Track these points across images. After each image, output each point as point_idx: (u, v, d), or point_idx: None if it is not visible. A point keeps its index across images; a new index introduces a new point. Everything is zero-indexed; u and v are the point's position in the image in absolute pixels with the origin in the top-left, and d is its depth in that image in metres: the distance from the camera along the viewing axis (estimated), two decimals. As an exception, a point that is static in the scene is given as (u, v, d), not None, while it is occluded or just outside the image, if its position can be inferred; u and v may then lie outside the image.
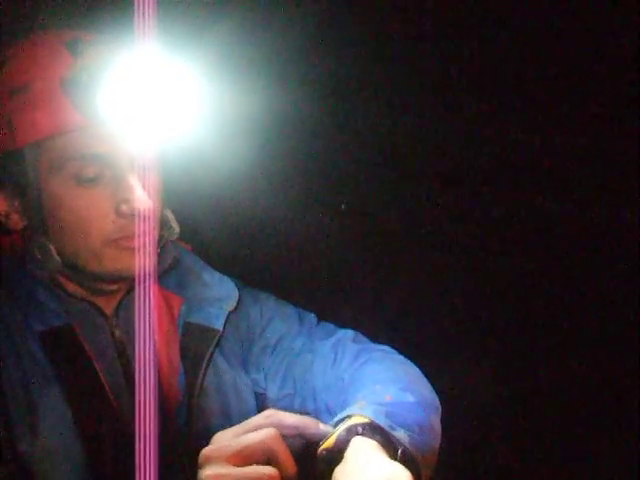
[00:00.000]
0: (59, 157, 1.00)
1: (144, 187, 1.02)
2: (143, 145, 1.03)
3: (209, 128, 1.11)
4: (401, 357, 1.13)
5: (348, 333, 1.17)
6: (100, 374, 1.02)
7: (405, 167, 1.73)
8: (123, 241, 1.03)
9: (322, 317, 1.24)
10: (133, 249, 1.03)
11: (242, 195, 1.60)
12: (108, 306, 1.09)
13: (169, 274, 1.14)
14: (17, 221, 1.06)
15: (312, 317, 1.21)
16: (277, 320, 1.19)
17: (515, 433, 1.76)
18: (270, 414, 0.91)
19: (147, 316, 1.05)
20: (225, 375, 1.13)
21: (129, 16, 0.97)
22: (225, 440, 0.87)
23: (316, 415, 1.07)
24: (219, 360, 1.13)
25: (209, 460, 0.85)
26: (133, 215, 1.01)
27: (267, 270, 1.68)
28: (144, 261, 1.03)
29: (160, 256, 1.10)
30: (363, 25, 1.65)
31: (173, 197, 1.12)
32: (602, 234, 1.70)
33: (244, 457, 0.84)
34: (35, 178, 1.01)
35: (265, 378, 1.16)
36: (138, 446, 0.94)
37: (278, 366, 1.15)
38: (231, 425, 1.03)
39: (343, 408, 0.98)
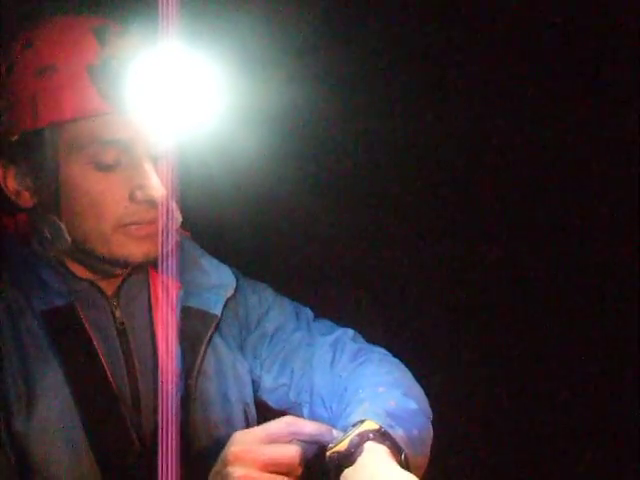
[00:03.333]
0: (79, 140, 1.02)
1: (159, 176, 1.05)
2: (162, 135, 1.05)
3: (228, 120, 1.14)
4: (396, 360, 1.17)
5: (348, 332, 1.20)
6: (100, 354, 1.04)
7: (418, 160, 1.74)
8: (133, 228, 1.04)
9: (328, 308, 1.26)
10: (142, 237, 1.05)
11: (259, 186, 1.61)
12: (109, 287, 1.11)
13: (167, 259, 1.14)
14: (28, 199, 1.07)
15: (308, 312, 1.24)
16: (275, 311, 1.22)
17: (514, 433, 1.79)
18: (290, 422, 0.97)
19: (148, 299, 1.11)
20: (224, 358, 1.15)
21: (153, 8, 1.00)
22: (249, 444, 0.94)
23: (310, 407, 1.13)
24: (218, 342, 1.15)
25: (239, 460, 0.93)
26: (147, 202, 1.04)
27: (285, 258, 1.71)
28: (152, 249, 1.06)
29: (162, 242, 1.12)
30: (379, 19, 1.65)
31: (190, 187, 1.14)
32: (601, 235, 1.72)
33: (272, 466, 0.93)
34: (53, 159, 1.02)
35: (261, 366, 1.19)
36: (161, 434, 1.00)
37: (275, 357, 1.18)
38: (230, 408, 1.11)
39: (340, 403, 1.05)
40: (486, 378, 1.77)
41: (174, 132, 1.06)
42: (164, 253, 1.12)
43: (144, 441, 1.04)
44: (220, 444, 0.99)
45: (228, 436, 1.04)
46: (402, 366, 1.15)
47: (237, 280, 1.20)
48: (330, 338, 1.18)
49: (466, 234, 1.79)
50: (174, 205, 1.11)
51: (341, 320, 1.24)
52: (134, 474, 1.02)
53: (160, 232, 1.07)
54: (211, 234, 1.32)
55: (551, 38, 1.68)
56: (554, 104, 1.69)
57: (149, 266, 1.14)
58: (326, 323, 1.22)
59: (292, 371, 1.16)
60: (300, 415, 1.12)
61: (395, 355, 1.18)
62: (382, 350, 1.18)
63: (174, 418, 1.04)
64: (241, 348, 1.19)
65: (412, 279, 1.78)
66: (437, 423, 1.07)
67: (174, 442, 1.01)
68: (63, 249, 1.06)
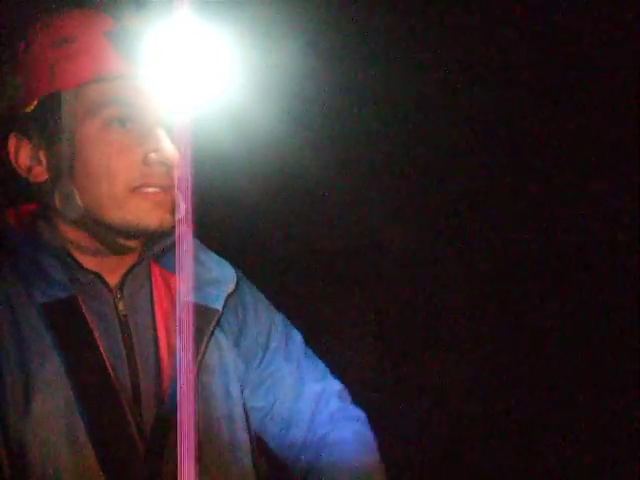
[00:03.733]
0: (96, 101, 1.03)
1: (173, 141, 1.05)
2: (177, 103, 1.07)
3: (242, 94, 1.15)
4: (369, 436, 1.21)
5: (335, 385, 1.25)
6: (101, 347, 1.03)
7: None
8: (149, 191, 1.05)
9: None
10: (158, 203, 1.05)
11: (272, 162, 1.61)
12: (113, 279, 1.11)
13: (168, 254, 1.15)
14: (39, 173, 1.07)
15: (299, 339, 1.26)
16: (271, 330, 1.23)
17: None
18: None
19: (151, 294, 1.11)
20: (226, 353, 1.16)
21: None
22: None
23: (278, 442, 1.20)
24: (220, 337, 1.16)
25: None
26: (160, 164, 1.04)
27: (298, 236, 1.72)
28: (167, 218, 1.06)
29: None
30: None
31: (202, 163, 1.13)
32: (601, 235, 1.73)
33: None
34: (70, 122, 1.03)
35: (248, 380, 1.21)
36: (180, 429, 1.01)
37: (263, 380, 1.21)
38: (232, 403, 1.12)
39: (307, 455, 1.17)
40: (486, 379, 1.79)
41: (189, 102, 1.08)
42: (165, 245, 1.12)
43: (144, 435, 1.04)
44: (221, 439, 1.00)
45: (229, 431, 1.07)
46: (371, 445, 1.21)
47: (237, 278, 1.19)
48: (317, 387, 1.22)
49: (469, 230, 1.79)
50: (176, 195, 1.09)
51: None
52: (134, 468, 1.02)
53: (177, 198, 1.07)
54: (222, 213, 1.31)
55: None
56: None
57: (151, 259, 1.14)
58: (316, 364, 1.25)
59: (275, 400, 1.20)
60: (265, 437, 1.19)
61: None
62: (361, 416, 1.23)
63: (170, 410, 1.05)
64: (238, 346, 1.20)
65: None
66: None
67: (190, 439, 1.02)
68: (75, 217, 1.06)
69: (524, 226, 1.79)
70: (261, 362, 1.21)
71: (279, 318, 1.26)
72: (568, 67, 1.70)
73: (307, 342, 1.28)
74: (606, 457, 1.72)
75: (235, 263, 1.22)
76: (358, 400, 1.27)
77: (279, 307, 1.28)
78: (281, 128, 1.55)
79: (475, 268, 1.80)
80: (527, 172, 1.78)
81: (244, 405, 1.16)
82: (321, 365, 1.26)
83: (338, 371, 1.28)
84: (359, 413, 1.23)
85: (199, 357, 1.09)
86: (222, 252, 1.22)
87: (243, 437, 1.13)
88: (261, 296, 1.26)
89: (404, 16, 1.67)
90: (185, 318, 1.10)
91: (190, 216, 1.09)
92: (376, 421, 1.23)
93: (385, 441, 1.21)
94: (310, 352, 1.27)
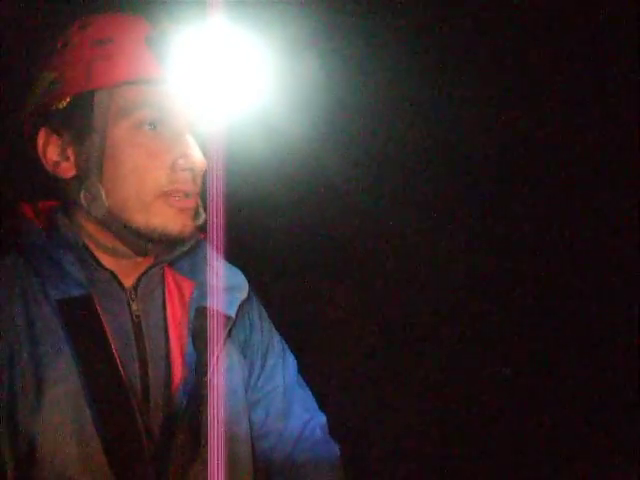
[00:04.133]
0: (129, 103, 1.04)
1: (202, 148, 1.07)
2: (209, 111, 1.08)
3: (273, 100, 1.16)
4: (342, 472, 1.24)
5: (321, 417, 1.27)
6: (113, 346, 1.04)
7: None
8: (174, 199, 1.05)
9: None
10: (181, 209, 1.06)
11: (303, 170, 1.61)
12: (128, 280, 1.11)
13: (183, 259, 1.17)
14: (67, 169, 1.07)
15: (293, 363, 1.28)
16: (269, 349, 1.25)
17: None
18: None
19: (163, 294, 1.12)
20: (235, 358, 1.17)
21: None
22: None
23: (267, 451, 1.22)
24: (229, 343, 1.17)
25: None
26: (187, 170, 1.05)
27: (331, 244, 1.72)
28: (189, 224, 1.07)
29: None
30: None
31: (234, 170, 1.14)
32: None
33: None
34: (102, 122, 1.04)
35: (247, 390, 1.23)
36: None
37: (260, 396, 1.22)
38: (237, 407, 1.14)
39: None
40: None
41: (221, 108, 1.09)
42: (183, 250, 1.13)
43: (151, 434, 1.04)
44: (227, 437, 1.01)
45: (234, 435, 1.08)
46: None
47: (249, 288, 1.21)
48: (306, 415, 1.24)
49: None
50: (199, 202, 1.11)
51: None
52: (140, 466, 1.02)
53: (208, 203, 1.08)
54: (252, 219, 1.31)
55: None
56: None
57: (165, 263, 1.15)
58: (306, 392, 1.27)
59: (266, 415, 1.21)
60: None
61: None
62: (337, 453, 1.25)
63: (177, 410, 1.07)
64: (244, 356, 1.21)
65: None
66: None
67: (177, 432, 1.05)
68: (99, 215, 1.06)
69: (528, 224, 1.81)
70: (259, 378, 1.23)
71: (277, 339, 1.28)
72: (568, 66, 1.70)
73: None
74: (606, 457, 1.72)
75: (263, 269, 1.21)
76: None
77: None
78: (313, 135, 1.54)
79: (479, 269, 1.81)
80: (535, 173, 1.80)
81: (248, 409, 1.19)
82: (310, 395, 1.28)
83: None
84: (336, 449, 1.25)
85: (213, 361, 1.10)
86: (250, 258, 1.22)
87: (246, 437, 1.16)
88: (264, 313, 1.28)
89: (433, 22, 1.68)
90: (183, 319, 1.13)
91: (216, 222, 1.11)
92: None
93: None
94: (301, 380, 1.28)
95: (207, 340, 1.11)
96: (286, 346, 1.29)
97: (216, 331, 1.12)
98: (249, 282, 1.21)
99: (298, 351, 1.28)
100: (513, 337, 1.80)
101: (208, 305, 1.14)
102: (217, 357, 1.11)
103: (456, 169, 1.76)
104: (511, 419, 1.79)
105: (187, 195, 1.06)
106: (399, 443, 1.65)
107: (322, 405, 1.27)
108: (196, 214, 1.11)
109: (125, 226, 1.06)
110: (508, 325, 1.80)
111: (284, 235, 1.30)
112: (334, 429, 1.26)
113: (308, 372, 1.29)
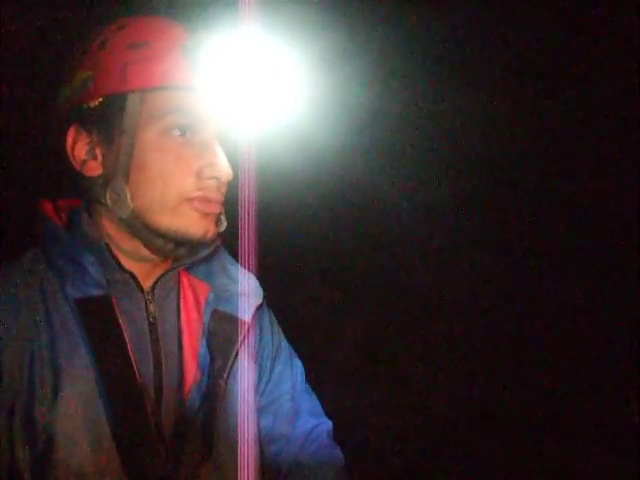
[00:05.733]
0: (161, 108, 1.04)
1: (229, 156, 1.08)
2: (239, 117, 1.09)
3: (306, 117, 1.18)
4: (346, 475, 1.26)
5: (327, 424, 1.28)
6: (129, 347, 1.05)
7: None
8: (198, 202, 1.06)
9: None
10: (206, 214, 1.07)
11: (336, 183, 1.60)
12: (147, 282, 1.12)
13: (199, 263, 1.18)
14: (94, 168, 1.07)
15: (300, 369, 1.30)
16: (278, 355, 1.27)
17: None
18: None
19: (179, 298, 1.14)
20: (247, 363, 1.18)
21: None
22: None
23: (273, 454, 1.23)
24: (242, 348, 1.17)
25: None
26: (214, 178, 1.06)
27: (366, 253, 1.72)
28: (212, 229, 1.09)
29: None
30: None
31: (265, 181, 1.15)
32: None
33: None
34: (132, 125, 1.04)
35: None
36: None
37: (268, 401, 1.24)
38: (247, 412, 1.14)
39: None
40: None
41: (252, 117, 1.10)
42: (203, 255, 1.15)
43: (162, 435, 1.05)
44: (236, 439, 1.03)
45: (244, 439, 1.08)
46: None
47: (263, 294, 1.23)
48: (313, 421, 1.25)
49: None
50: (222, 209, 1.12)
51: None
52: (152, 466, 1.03)
53: (239, 213, 1.10)
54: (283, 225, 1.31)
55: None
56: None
57: (182, 267, 1.16)
58: (313, 398, 1.29)
59: (274, 420, 1.23)
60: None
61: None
62: (342, 458, 1.26)
63: (187, 412, 1.08)
64: (254, 361, 1.22)
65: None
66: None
67: (188, 433, 1.06)
68: (124, 216, 1.06)
69: (528, 231, 1.83)
70: (268, 383, 1.24)
71: (285, 345, 1.29)
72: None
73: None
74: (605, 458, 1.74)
75: (292, 275, 1.21)
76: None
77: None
78: (344, 144, 1.54)
79: (485, 271, 1.83)
80: (536, 175, 1.81)
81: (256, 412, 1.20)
82: (316, 401, 1.30)
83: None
84: (341, 454, 1.26)
85: (229, 365, 1.12)
86: (279, 265, 1.22)
87: (255, 441, 1.17)
88: (274, 319, 1.29)
89: (456, 28, 1.67)
90: (197, 322, 1.14)
91: (248, 230, 1.13)
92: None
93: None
94: (308, 387, 1.30)
95: (222, 344, 1.13)
96: (294, 352, 1.30)
97: (232, 335, 1.14)
98: (276, 286, 1.24)
99: (305, 358, 1.30)
100: (511, 337, 1.82)
101: (223, 309, 1.15)
102: (232, 361, 1.12)
103: (488, 173, 1.75)
104: (511, 419, 1.81)
105: (211, 202, 1.07)
106: (401, 446, 1.66)
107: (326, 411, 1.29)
108: (218, 220, 1.12)
109: (148, 228, 1.07)
110: (508, 325, 1.82)
111: (313, 242, 1.30)
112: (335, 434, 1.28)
113: (312, 377, 1.30)
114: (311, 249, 1.27)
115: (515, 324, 1.82)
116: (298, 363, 1.29)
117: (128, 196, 1.05)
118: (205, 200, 1.06)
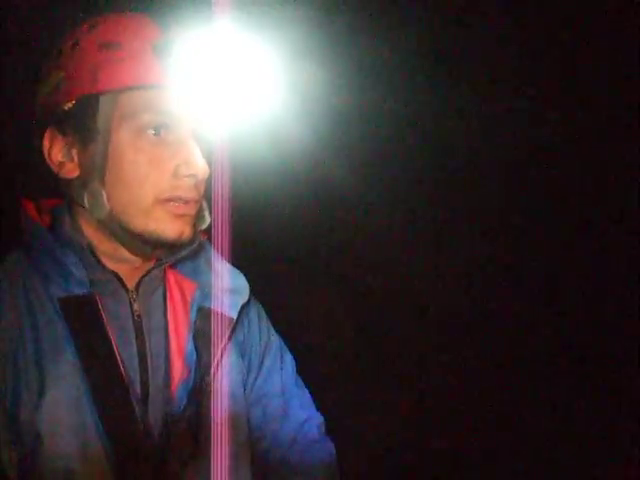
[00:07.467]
0: (134, 108, 1.04)
1: (204, 154, 1.07)
2: (213, 117, 1.08)
3: (278, 108, 1.17)
4: (337, 470, 1.25)
5: (318, 418, 1.27)
6: (114, 345, 1.05)
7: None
8: (172, 205, 1.06)
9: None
10: (179, 215, 1.06)
11: (305, 177, 1.61)
12: (131, 280, 1.12)
13: (185, 260, 1.17)
14: (71, 170, 1.07)
15: (291, 364, 1.29)
16: (268, 350, 1.26)
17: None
18: None
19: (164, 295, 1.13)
20: (234, 359, 1.18)
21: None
22: None
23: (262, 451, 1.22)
24: (229, 344, 1.17)
25: None
26: (189, 176, 1.05)
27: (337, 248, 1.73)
28: (187, 230, 1.08)
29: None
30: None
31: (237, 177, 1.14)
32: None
33: None
34: (106, 126, 1.04)
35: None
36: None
37: (255, 397, 1.23)
38: (236, 408, 1.14)
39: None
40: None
41: (225, 115, 1.09)
42: (187, 252, 1.13)
43: (150, 433, 1.05)
44: (226, 444, 1.02)
45: (233, 436, 1.09)
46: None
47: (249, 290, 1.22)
48: (303, 414, 1.25)
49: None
50: (204, 205, 1.12)
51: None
52: (139, 464, 1.03)
53: (212, 208, 1.09)
54: (256, 224, 1.31)
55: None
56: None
57: (166, 265, 1.15)
58: (303, 392, 1.28)
59: (264, 415, 1.22)
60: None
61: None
62: (333, 451, 1.26)
63: (174, 410, 1.07)
64: (242, 357, 1.22)
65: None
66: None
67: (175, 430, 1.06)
68: (101, 217, 1.06)
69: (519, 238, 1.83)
70: (256, 378, 1.23)
71: (275, 338, 1.28)
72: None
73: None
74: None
75: (268, 272, 1.21)
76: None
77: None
78: (319, 141, 1.55)
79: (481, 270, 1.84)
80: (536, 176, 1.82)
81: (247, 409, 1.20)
82: (307, 395, 1.29)
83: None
84: (332, 448, 1.26)
85: (215, 361, 1.11)
86: (254, 262, 1.22)
87: (245, 437, 1.17)
88: (264, 314, 1.29)
89: (448, 31, 1.69)
90: (183, 319, 1.14)
91: (221, 227, 1.12)
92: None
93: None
94: (300, 380, 1.29)
95: (208, 341, 1.12)
96: (284, 346, 1.29)
97: (218, 332, 1.13)
98: (251, 283, 1.22)
99: (296, 352, 1.29)
100: (510, 336, 1.82)
101: (210, 306, 1.14)
102: (218, 358, 1.12)
103: (463, 173, 1.77)
104: (510, 419, 1.81)
105: (187, 201, 1.07)
106: (394, 444, 1.66)
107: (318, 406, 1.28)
108: (200, 218, 1.12)
109: (124, 229, 1.06)
110: (507, 324, 1.82)
111: (287, 238, 1.30)
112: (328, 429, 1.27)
113: (304, 373, 1.29)
114: (283, 244, 1.27)
115: (511, 323, 1.83)
116: (289, 358, 1.28)
117: (104, 198, 1.05)
118: (180, 200, 1.06)
